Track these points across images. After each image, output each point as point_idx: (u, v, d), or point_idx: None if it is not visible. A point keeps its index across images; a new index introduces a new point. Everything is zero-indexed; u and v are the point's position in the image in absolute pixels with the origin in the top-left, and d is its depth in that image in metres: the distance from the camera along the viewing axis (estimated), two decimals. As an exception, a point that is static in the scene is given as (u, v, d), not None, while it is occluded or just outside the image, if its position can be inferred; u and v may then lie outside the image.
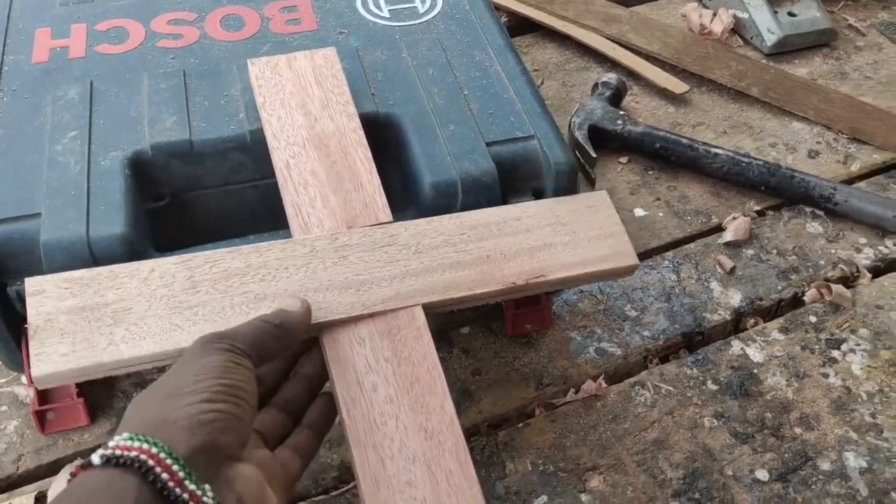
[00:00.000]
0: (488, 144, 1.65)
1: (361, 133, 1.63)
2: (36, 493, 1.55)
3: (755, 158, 2.14)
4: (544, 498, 1.53)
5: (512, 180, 1.65)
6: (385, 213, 1.53)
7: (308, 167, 1.57)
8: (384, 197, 1.56)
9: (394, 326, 1.40)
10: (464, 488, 1.26)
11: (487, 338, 1.68)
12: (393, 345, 1.38)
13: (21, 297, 1.51)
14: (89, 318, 1.24)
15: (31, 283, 1.29)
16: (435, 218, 1.50)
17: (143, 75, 1.81)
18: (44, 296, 1.27)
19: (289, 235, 1.52)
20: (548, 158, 1.63)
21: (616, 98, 2.36)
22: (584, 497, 1.52)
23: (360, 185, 1.56)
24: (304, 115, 1.64)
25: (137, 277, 1.31)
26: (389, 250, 1.47)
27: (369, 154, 1.61)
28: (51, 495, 1.52)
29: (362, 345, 1.37)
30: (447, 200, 1.60)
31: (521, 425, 1.67)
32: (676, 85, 2.46)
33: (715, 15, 2.67)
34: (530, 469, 1.60)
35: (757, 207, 2.14)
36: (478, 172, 1.61)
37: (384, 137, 1.72)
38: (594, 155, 2.19)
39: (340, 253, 1.43)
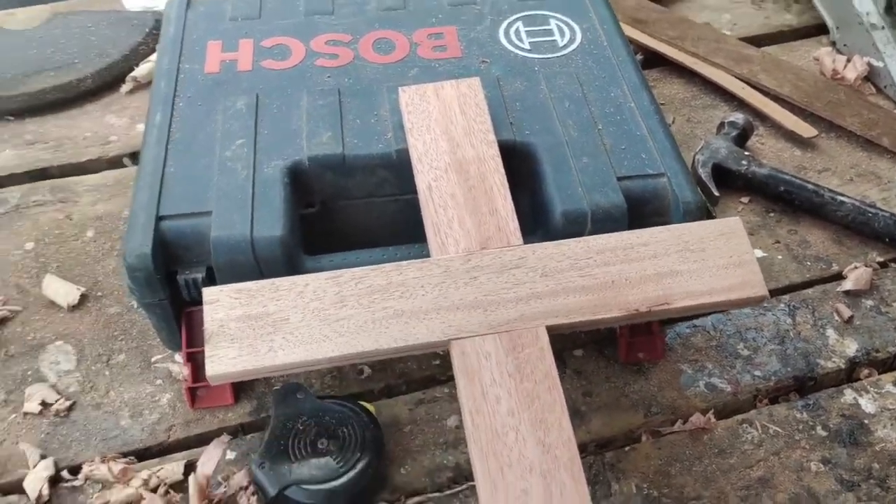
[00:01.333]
0: (619, 179, 1.73)
1: (499, 160, 1.75)
2: (185, 461, 1.74)
3: (882, 210, 2.13)
4: (647, 522, 1.60)
5: (640, 216, 1.73)
6: (516, 237, 1.64)
7: (448, 190, 1.69)
8: (516, 221, 1.67)
9: (518, 344, 1.51)
10: (576, 502, 1.35)
11: (600, 362, 1.76)
12: (517, 362, 1.48)
13: (188, 284, 1.71)
14: (254, 326, 1.40)
15: (208, 293, 1.45)
16: (563, 241, 1.58)
17: (303, 92, 1.99)
18: (218, 304, 1.43)
19: (424, 247, 1.65)
20: (676, 197, 1.70)
21: (741, 138, 2.40)
22: (686, 525, 1.58)
23: (495, 210, 1.68)
24: (447, 141, 1.77)
25: (294, 291, 1.46)
26: (517, 273, 1.57)
27: (505, 180, 1.72)
28: (199, 465, 1.70)
29: (488, 359, 1.48)
30: (576, 229, 1.69)
31: (627, 449, 1.74)
32: (805, 129, 2.47)
33: (849, 61, 2.66)
34: (634, 492, 1.67)
35: (880, 259, 2.13)
36: (608, 205, 1.70)
37: (519, 164, 1.83)
38: (717, 194, 2.23)
39: (472, 274, 1.54)
